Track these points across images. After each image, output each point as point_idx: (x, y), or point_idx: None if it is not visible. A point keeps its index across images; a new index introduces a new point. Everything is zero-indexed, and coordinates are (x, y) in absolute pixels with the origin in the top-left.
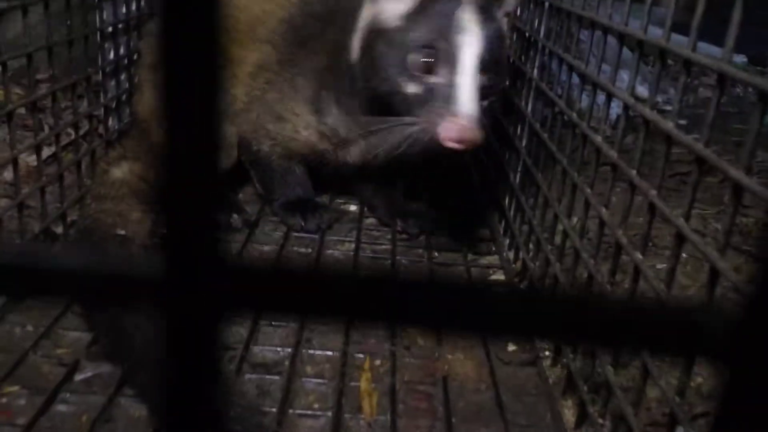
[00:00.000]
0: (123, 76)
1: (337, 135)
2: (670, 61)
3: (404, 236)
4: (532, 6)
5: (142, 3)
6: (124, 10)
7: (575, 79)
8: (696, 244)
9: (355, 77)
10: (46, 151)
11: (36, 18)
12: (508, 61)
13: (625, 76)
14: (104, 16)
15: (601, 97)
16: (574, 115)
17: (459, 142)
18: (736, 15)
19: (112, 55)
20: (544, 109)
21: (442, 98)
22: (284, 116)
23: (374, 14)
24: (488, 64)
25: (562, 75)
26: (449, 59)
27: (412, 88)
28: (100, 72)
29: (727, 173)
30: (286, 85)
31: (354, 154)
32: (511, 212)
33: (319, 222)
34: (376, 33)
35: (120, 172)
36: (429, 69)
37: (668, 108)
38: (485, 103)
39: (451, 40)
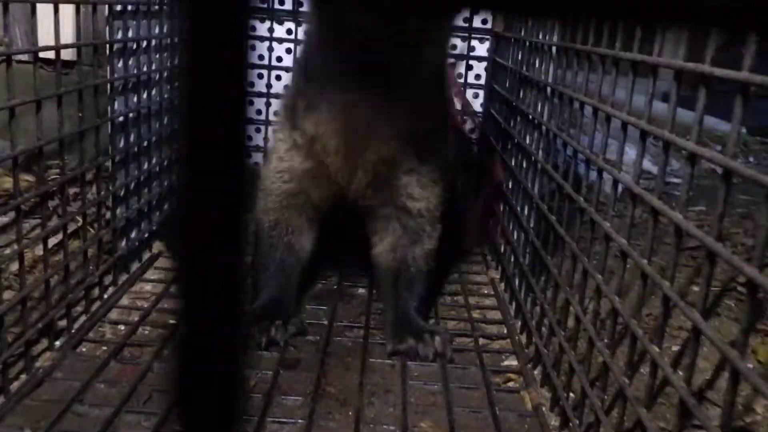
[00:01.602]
0: (133, 165)
1: (320, 134)
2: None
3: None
4: (534, 90)
5: (153, 92)
6: (135, 99)
7: (581, 155)
8: (714, 341)
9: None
10: (53, 239)
11: (48, 111)
12: None
13: (630, 151)
14: (116, 106)
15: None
16: (582, 199)
17: None
18: (737, 113)
19: (122, 144)
20: (551, 183)
21: None
22: (269, 155)
23: None
24: None
25: (567, 151)
26: None
27: None
28: (110, 161)
29: (742, 270)
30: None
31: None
32: (522, 294)
33: (281, 336)
34: None
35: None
36: None
37: (675, 180)
38: None
39: None
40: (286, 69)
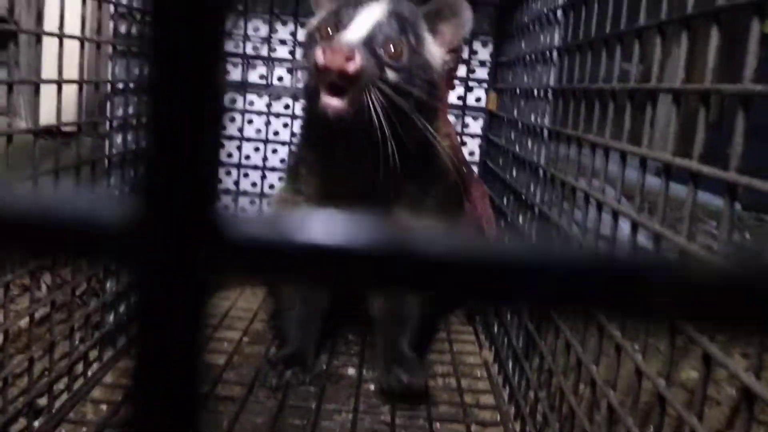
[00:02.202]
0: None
1: (313, 196)
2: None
3: (405, 406)
4: (527, 169)
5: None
6: (132, 174)
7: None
8: None
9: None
10: (39, 312)
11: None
12: (431, 70)
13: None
14: (111, 182)
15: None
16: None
17: (328, 59)
18: (726, 214)
19: None
20: None
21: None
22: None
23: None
24: (393, 36)
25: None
26: (346, 22)
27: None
28: None
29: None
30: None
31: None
32: (516, 378)
33: (295, 380)
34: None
35: None
36: (329, 33)
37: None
38: (391, 74)
39: (353, 12)
40: (282, 143)
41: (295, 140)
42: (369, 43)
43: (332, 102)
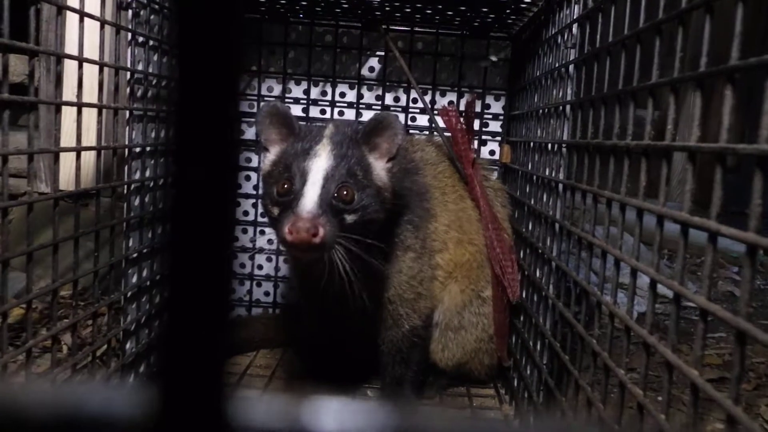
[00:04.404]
0: (144, 299)
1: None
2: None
3: None
4: (543, 223)
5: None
6: (150, 235)
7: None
8: None
9: None
10: (61, 375)
11: (66, 250)
12: (380, 190)
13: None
14: (130, 243)
15: (622, 297)
16: (594, 342)
17: (296, 236)
18: (746, 275)
19: (134, 279)
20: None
21: (291, 208)
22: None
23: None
24: (343, 181)
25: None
26: (300, 178)
27: (276, 211)
28: (122, 297)
29: None
30: None
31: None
32: None
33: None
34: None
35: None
36: (287, 191)
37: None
38: (349, 217)
39: (302, 163)
40: None
41: None
42: (324, 199)
43: (303, 255)
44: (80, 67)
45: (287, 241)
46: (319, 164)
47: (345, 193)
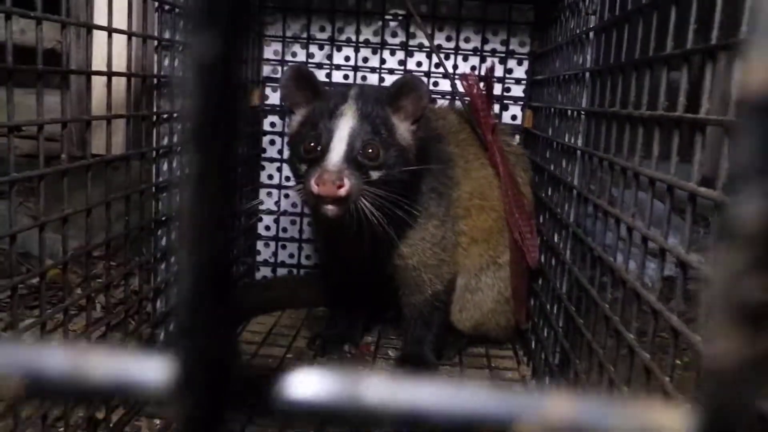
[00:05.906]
0: (173, 260)
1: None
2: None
3: None
4: (561, 189)
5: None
6: (178, 198)
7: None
8: None
9: None
10: (96, 333)
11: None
12: (404, 150)
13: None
14: (159, 206)
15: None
16: (607, 307)
17: (322, 188)
18: None
19: (164, 242)
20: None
21: (318, 163)
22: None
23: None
24: (369, 139)
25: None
26: (327, 135)
27: (303, 168)
28: (152, 257)
29: None
30: None
31: None
32: None
33: (334, 349)
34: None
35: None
36: (313, 148)
37: None
38: (374, 174)
39: (329, 122)
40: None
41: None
42: (350, 156)
43: (330, 209)
44: (109, 36)
45: (314, 193)
46: (345, 123)
47: (370, 150)
